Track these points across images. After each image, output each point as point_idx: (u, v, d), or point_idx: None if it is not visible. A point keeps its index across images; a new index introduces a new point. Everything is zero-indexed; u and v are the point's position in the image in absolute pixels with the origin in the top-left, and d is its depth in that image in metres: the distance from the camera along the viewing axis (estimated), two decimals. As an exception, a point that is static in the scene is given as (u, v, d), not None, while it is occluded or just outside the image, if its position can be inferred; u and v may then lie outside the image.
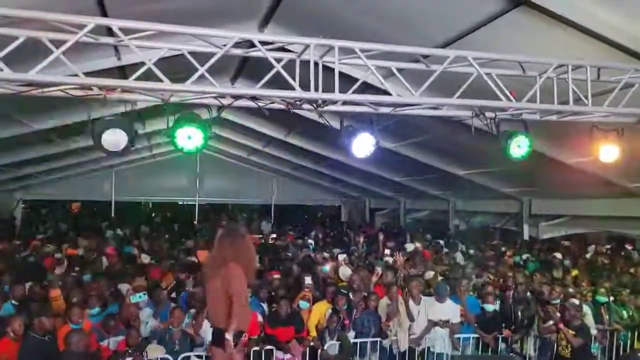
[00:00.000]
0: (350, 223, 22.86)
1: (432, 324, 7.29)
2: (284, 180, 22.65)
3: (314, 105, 5.12)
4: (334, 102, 5.15)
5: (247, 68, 9.21)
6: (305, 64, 5.03)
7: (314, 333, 7.37)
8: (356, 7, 6.44)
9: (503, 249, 13.72)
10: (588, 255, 12.16)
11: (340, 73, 5.01)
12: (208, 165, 21.07)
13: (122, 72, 7.40)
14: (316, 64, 4.93)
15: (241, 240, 5.17)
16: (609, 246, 12.91)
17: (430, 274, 8.93)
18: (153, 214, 25.44)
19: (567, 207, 13.58)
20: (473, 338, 7.63)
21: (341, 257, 11.11)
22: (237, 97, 5.19)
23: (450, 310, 7.41)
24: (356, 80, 5.27)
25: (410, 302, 7.34)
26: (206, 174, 21.55)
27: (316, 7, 6.83)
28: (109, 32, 4.93)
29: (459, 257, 11.91)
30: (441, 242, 14.58)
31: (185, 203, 24.09)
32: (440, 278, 8.81)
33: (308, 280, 7.93)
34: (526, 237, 14.68)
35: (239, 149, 19.08)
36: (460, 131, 8.95)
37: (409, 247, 13.00)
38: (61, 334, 6.06)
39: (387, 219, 22.83)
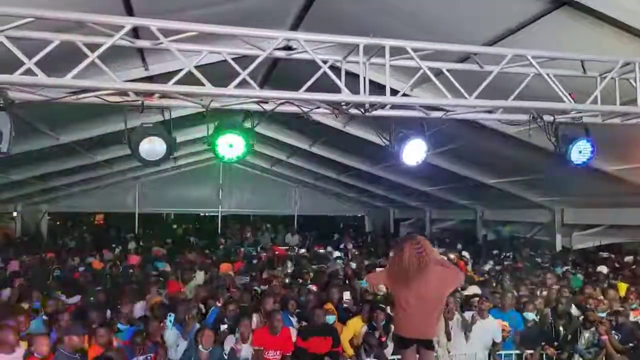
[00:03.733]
0: (375, 233, 22.48)
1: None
2: (308, 190, 22.46)
3: (362, 109, 4.82)
4: (383, 106, 4.85)
5: (274, 77, 8.93)
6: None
7: (349, 351, 7.03)
8: (390, 12, 6.13)
9: (538, 260, 13.27)
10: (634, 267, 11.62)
11: (378, 84, 4.72)
12: (231, 177, 21.02)
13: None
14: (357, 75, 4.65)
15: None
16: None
17: (472, 289, 8.52)
18: (175, 226, 25.30)
19: (603, 216, 12.98)
20: (515, 355, 7.26)
21: None
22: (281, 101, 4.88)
23: (491, 328, 7.02)
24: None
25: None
26: (229, 185, 21.50)
27: (347, 13, 6.56)
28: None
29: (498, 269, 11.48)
30: (465, 253, 14.13)
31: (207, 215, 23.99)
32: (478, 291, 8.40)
33: (347, 295, 7.59)
34: (559, 247, 14.16)
35: (262, 159, 18.93)
36: (489, 139, 8.59)
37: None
38: (91, 353, 5.87)
39: (413, 229, 22.37)
